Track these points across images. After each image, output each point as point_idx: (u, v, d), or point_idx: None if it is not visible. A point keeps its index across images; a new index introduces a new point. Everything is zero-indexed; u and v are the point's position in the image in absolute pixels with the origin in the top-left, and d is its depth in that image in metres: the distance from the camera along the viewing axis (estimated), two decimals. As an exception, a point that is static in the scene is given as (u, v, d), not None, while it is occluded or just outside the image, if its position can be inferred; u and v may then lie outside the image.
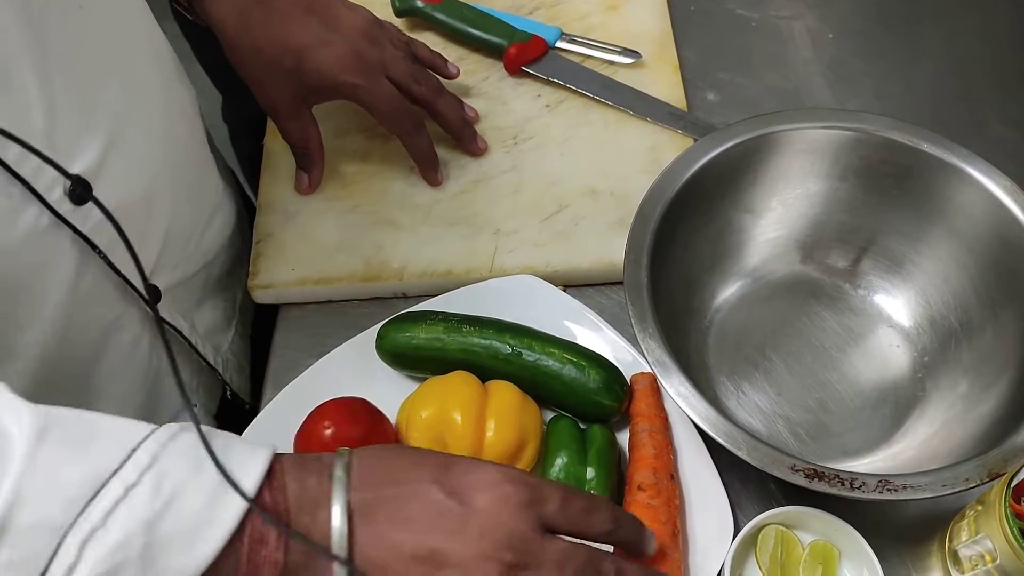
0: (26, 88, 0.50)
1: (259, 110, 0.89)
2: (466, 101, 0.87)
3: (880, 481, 0.57)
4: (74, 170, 0.53)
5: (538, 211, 0.80)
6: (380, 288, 0.78)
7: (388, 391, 0.71)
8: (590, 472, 0.65)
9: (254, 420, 0.70)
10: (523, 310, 0.73)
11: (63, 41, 0.53)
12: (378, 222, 0.80)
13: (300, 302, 0.79)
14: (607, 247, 0.77)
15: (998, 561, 0.59)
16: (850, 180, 0.74)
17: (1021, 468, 0.57)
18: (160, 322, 0.67)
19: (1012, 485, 0.57)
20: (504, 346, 0.69)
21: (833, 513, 0.63)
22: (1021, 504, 0.56)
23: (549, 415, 0.70)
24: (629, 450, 0.68)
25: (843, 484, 0.57)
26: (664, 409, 0.69)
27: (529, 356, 0.69)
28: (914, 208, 0.73)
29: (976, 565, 0.62)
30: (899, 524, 0.68)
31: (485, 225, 0.79)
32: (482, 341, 0.69)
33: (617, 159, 0.83)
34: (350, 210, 0.81)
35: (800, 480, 0.58)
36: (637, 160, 0.82)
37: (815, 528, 0.65)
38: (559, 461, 0.65)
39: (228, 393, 0.81)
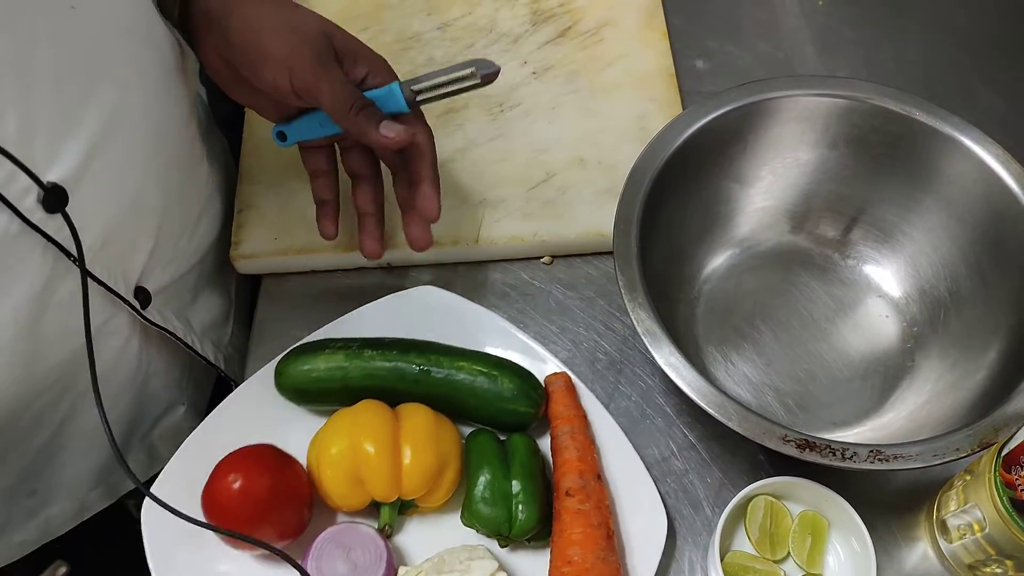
0: (1, 91, 0.48)
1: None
2: (451, 68, 0.86)
3: (871, 451, 0.57)
4: (50, 177, 0.51)
5: (525, 180, 0.79)
6: (364, 258, 0.76)
7: (297, 428, 0.68)
8: (516, 486, 0.63)
9: (159, 477, 0.66)
10: (429, 323, 0.70)
11: (50, 43, 0.50)
12: (364, 191, 0.78)
13: (283, 272, 0.78)
14: (595, 217, 0.76)
15: (987, 530, 0.59)
16: (841, 149, 0.73)
17: (1011, 438, 0.57)
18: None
19: (1002, 455, 0.57)
20: (410, 366, 0.66)
21: (821, 483, 0.63)
22: (1011, 474, 0.56)
23: (467, 430, 0.68)
24: (552, 455, 0.66)
25: (834, 454, 0.57)
26: (582, 407, 0.67)
27: (438, 373, 0.66)
28: (905, 177, 0.72)
29: (964, 535, 0.62)
30: (887, 494, 0.68)
31: (471, 195, 0.78)
32: (386, 364, 0.66)
33: (605, 127, 0.82)
34: (333, 179, 0.79)
35: (791, 451, 0.57)
36: (625, 129, 0.81)
37: (804, 499, 0.65)
38: (482, 479, 0.63)
39: (234, 386, 0.79)
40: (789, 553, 0.64)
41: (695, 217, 0.74)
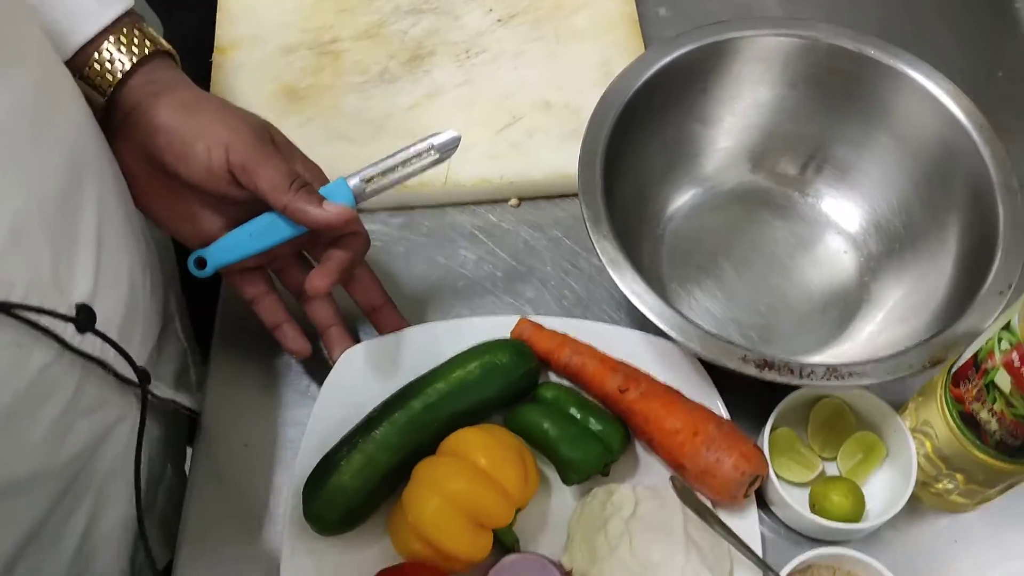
0: (36, 240, 0.47)
1: (201, 27, 0.87)
2: (417, 16, 0.86)
3: (828, 369, 0.59)
4: (77, 298, 0.51)
5: (491, 124, 0.80)
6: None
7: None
8: (591, 423, 0.64)
9: None
10: (405, 366, 0.68)
11: (52, 176, 0.50)
12: (331, 137, 0.79)
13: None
14: (561, 159, 0.78)
15: (937, 445, 0.62)
16: (799, 88, 0.75)
17: (960, 356, 0.59)
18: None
19: (952, 372, 0.60)
20: (419, 413, 0.64)
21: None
22: (959, 388, 0.58)
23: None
24: (576, 381, 0.68)
25: (792, 372, 0.59)
26: (557, 332, 0.69)
27: (445, 397, 0.65)
28: (860, 115, 0.74)
29: (917, 452, 0.64)
30: (845, 420, 0.70)
31: (439, 139, 0.79)
32: (399, 428, 0.63)
33: (570, 73, 0.83)
34: (302, 124, 0.80)
35: (751, 370, 0.59)
36: (590, 73, 0.83)
37: (875, 423, 0.67)
38: (557, 437, 0.64)
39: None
40: (836, 458, 0.67)
41: (659, 156, 0.75)
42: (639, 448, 0.68)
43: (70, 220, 0.52)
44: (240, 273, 0.67)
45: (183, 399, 0.70)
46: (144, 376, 0.61)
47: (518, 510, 0.62)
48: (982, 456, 0.58)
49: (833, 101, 0.74)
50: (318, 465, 0.64)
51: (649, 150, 0.74)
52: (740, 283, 0.75)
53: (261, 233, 0.62)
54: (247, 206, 0.62)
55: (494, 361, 0.66)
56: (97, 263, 0.54)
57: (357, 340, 0.70)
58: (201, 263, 0.64)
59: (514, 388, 0.67)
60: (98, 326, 0.53)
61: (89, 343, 0.52)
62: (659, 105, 0.72)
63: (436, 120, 0.80)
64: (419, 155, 0.64)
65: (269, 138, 0.62)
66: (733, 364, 0.59)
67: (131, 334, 0.60)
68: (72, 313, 0.50)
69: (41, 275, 0.48)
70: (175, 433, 0.73)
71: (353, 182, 0.62)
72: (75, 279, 0.51)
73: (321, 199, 0.60)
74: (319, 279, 0.62)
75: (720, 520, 0.61)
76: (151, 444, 0.67)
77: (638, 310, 0.62)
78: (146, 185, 0.62)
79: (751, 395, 0.66)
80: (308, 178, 0.62)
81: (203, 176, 0.59)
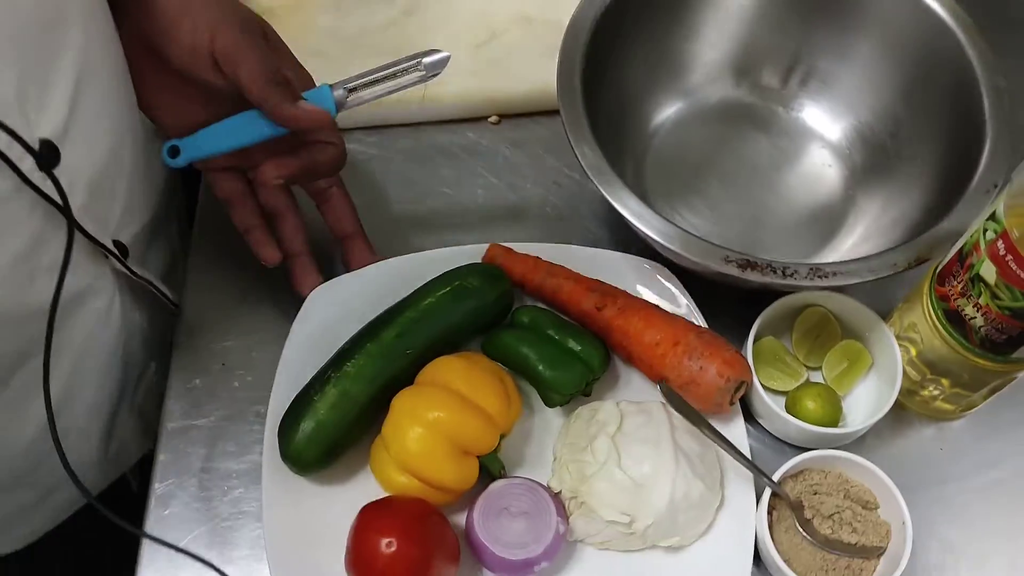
0: (2, 53, 0.46)
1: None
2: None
3: (811, 268, 0.58)
4: (42, 133, 0.49)
5: (470, 41, 0.78)
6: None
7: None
8: (570, 343, 0.63)
9: None
10: (376, 301, 0.65)
11: None
12: (307, 54, 0.76)
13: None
14: (542, 73, 0.75)
15: (922, 349, 0.61)
16: (780, -2, 0.73)
17: (946, 256, 0.59)
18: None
19: (937, 271, 0.59)
20: (392, 343, 0.62)
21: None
22: (944, 287, 0.58)
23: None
24: (553, 303, 0.67)
25: (775, 272, 0.58)
26: (529, 255, 0.68)
27: (417, 324, 0.63)
28: (843, 21, 0.72)
29: (902, 358, 0.63)
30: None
31: (416, 55, 0.77)
32: (374, 358, 0.61)
33: (549, -12, 0.81)
34: (276, 43, 0.78)
35: (733, 270, 0.58)
36: (570, -12, 0.81)
37: (861, 332, 0.66)
38: (535, 359, 0.62)
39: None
40: (821, 367, 0.66)
41: (641, 69, 0.73)
42: (620, 365, 0.67)
43: (44, 54, 0.50)
44: (218, 171, 0.66)
45: (163, 288, 0.69)
46: (120, 249, 0.60)
47: (502, 436, 0.61)
48: (967, 354, 0.58)
49: (815, 8, 0.73)
50: (291, 405, 0.61)
51: (632, 63, 0.72)
52: (725, 198, 0.74)
53: (238, 130, 0.61)
54: (232, 104, 0.61)
55: (464, 285, 0.64)
56: (71, 110, 0.52)
57: (329, 275, 0.68)
58: (175, 152, 0.63)
59: (488, 312, 0.65)
60: (65, 176, 0.51)
61: (52, 188, 0.50)
62: (641, 15, 0.71)
63: (413, 38, 0.78)
64: (406, 71, 0.62)
65: (260, 32, 0.60)
66: (715, 265, 0.58)
67: (106, 202, 0.59)
68: (35, 146, 0.49)
69: (4, 94, 0.46)
70: (159, 329, 0.72)
71: (337, 91, 0.61)
72: (43, 114, 0.50)
73: (299, 97, 0.59)
74: (272, 167, 0.61)
75: (708, 423, 0.61)
76: (131, 331, 0.67)
77: (620, 225, 0.61)
78: (138, 70, 0.61)
79: (733, 314, 0.66)
80: (293, 79, 0.60)
81: (186, 58, 0.58)
